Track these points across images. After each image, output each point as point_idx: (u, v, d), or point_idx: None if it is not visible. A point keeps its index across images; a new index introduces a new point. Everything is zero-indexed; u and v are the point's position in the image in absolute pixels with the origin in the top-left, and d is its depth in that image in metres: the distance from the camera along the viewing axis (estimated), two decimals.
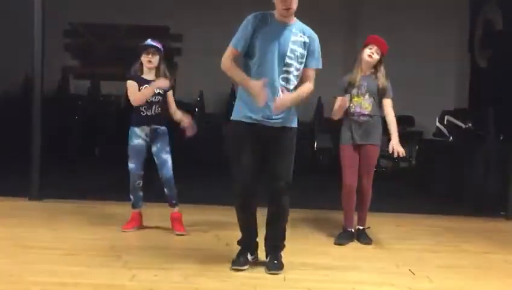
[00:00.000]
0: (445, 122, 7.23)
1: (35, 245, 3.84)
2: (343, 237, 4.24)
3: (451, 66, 9.52)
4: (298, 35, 3.27)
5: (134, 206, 4.39)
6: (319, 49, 3.36)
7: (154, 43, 4.28)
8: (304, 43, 3.29)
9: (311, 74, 3.37)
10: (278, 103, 3.16)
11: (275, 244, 3.44)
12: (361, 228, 4.31)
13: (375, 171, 4.29)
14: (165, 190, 4.31)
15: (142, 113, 4.25)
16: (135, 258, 3.59)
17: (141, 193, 4.37)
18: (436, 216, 5.44)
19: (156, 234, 4.32)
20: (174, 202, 4.34)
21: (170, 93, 4.40)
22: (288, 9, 3.19)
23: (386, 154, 8.97)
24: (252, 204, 3.39)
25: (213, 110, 9.66)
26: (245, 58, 3.30)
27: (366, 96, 4.13)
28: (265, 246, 3.49)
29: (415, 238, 4.49)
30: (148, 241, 4.09)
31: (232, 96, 8.79)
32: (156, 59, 4.27)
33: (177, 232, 4.27)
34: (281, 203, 3.33)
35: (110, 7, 9.28)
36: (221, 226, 4.52)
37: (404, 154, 4.13)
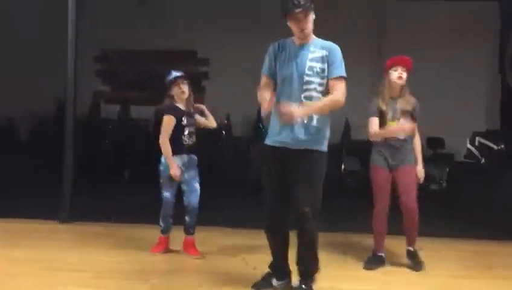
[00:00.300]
0: (476, 143, 7.09)
1: (64, 268, 3.88)
2: (373, 261, 4.14)
3: (481, 86, 9.37)
4: (316, 52, 3.26)
5: (164, 232, 4.40)
6: (341, 58, 3.29)
7: (179, 73, 4.31)
8: (323, 57, 3.25)
9: (335, 83, 3.25)
10: (284, 110, 3.04)
11: (305, 269, 3.38)
12: (411, 249, 4.16)
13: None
14: (187, 217, 4.28)
15: (184, 142, 4.28)
16: (163, 282, 3.59)
17: (171, 220, 4.39)
18: (468, 240, 5.29)
19: (183, 257, 4.31)
20: (191, 231, 4.33)
21: (198, 118, 4.45)
22: (302, 30, 3.20)
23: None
24: (279, 228, 3.36)
25: (240, 133, 9.70)
26: (275, 85, 3.34)
27: (402, 120, 4.05)
28: (297, 269, 3.44)
29: (446, 262, 4.37)
30: (175, 265, 4.09)
31: (259, 119, 8.84)
32: (187, 87, 4.31)
33: (193, 257, 4.25)
34: (303, 229, 3.25)
35: (139, 33, 9.50)
36: (248, 249, 4.49)
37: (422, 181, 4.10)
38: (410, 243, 4.19)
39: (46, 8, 8.45)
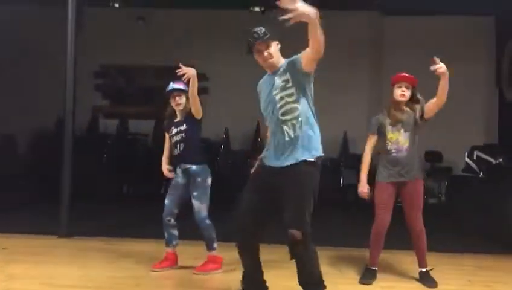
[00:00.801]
0: (474, 157, 7.10)
1: (62, 283, 3.86)
2: (367, 276, 4.14)
3: (479, 101, 9.42)
4: (281, 70, 3.25)
5: (166, 243, 4.36)
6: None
7: (176, 86, 4.32)
8: (284, 70, 3.23)
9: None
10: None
11: (306, 288, 3.26)
12: (423, 270, 4.16)
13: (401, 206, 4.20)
14: (203, 235, 4.28)
15: (174, 153, 4.36)
16: None
17: (174, 232, 4.32)
18: (468, 254, 5.28)
19: (186, 273, 4.26)
20: (208, 246, 4.28)
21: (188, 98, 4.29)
22: (265, 61, 3.24)
23: None
24: (248, 244, 3.29)
25: (238, 148, 9.72)
26: None
27: (402, 131, 4.08)
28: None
29: (447, 278, 4.35)
30: (175, 280, 4.07)
31: (257, 134, 8.87)
32: (182, 99, 4.32)
33: (194, 271, 4.23)
34: (294, 253, 3.11)
35: (138, 49, 9.57)
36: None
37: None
38: (420, 264, 4.19)
39: (45, 23, 8.51)
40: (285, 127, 3.18)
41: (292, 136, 3.16)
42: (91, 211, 7.03)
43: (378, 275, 4.21)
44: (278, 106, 3.20)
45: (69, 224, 5.56)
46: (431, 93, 4.18)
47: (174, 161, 4.36)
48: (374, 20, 9.55)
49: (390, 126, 4.10)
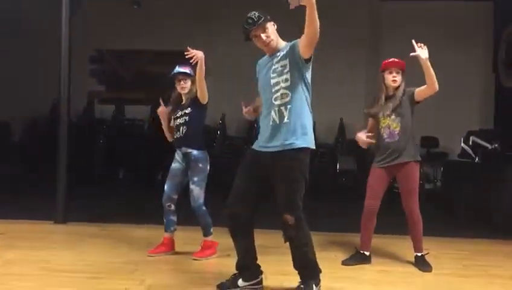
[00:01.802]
0: (470, 143, 7.12)
1: (59, 268, 3.87)
2: (353, 258, 4.22)
3: (475, 86, 9.42)
4: (280, 54, 3.24)
5: (165, 229, 4.36)
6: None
7: (181, 69, 4.29)
8: (284, 54, 3.22)
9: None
10: None
11: (302, 271, 3.30)
12: (419, 254, 4.19)
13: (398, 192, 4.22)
14: (199, 220, 4.27)
15: (175, 136, 4.32)
16: (158, 282, 3.59)
17: (173, 218, 4.31)
18: (463, 239, 5.32)
19: (181, 258, 4.29)
20: (204, 232, 4.28)
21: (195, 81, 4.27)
22: (266, 44, 3.24)
23: None
24: (240, 230, 3.32)
25: (235, 133, 9.71)
26: None
27: (393, 116, 4.11)
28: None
29: (442, 262, 4.39)
30: (172, 265, 4.08)
31: (255, 119, 8.83)
32: (187, 83, 4.29)
33: (192, 257, 4.23)
34: (288, 236, 3.16)
35: (134, 34, 9.49)
36: None
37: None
38: (416, 248, 4.21)
39: (40, 8, 8.42)
40: (276, 112, 3.20)
41: (283, 121, 3.18)
42: (88, 197, 7.03)
43: (374, 260, 4.25)
44: (273, 90, 3.22)
45: (66, 210, 5.55)
46: (421, 81, 4.17)
47: (174, 144, 4.33)
48: (370, 5, 9.49)
49: (382, 112, 4.13)
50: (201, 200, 4.22)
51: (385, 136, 4.13)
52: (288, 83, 3.19)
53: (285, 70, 3.19)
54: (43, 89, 8.24)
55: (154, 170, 8.35)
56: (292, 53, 3.18)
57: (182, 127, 4.25)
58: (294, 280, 3.32)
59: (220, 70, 9.44)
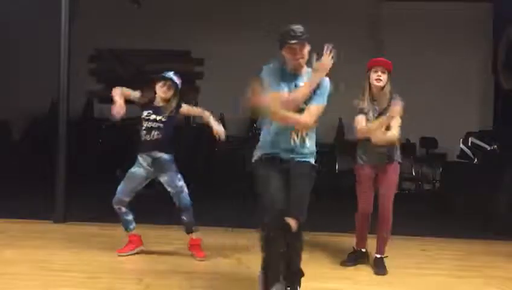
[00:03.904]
0: (469, 144, 7.12)
1: (58, 268, 3.88)
2: (351, 258, 4.23)
3: (474, 87, 9.41)
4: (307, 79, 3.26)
5: (125, 229, 4.33)
6: (327, 88, 3.29)
7: (174, 78, 4.26)
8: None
9: (312, 105, 3.22)
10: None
11: (291, 277, 3.24)
12: (378, 256, 4.15)
13: (397, 193, 4.21)
14: (184, 217, 4.22)
15: (141, 138, 4.22)
16: (156, 282, 3.60)
17: (129, 217, 4.29)
18: (461, 239, 5.33)
19: (178, 258, 4.30)
20: (192, 229, 4.27)
21: (185, 108, 4.32)
22: (297, 60, 3.19)
23: (409, 177, 8.90)
24: (281, 226, 3.15)
25: (234, 133, 9.70)
26: None
27: (381, 115, 4.04)
28: (287, 274, 3.28)
29: (439, 262, 4.40)
30: (169, 265, 4.09)
31: (253, 119, 8.84)
32: (171, 92, 4.25)
33: (198, 259, 4.23)
34: (297, 236, 3.16)
35: (134, 33, 9.48)
36: (242, 249, 4.50)
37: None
38: (379, 250, 4.16)
39: (39, 7, 8.41)
40: (297, 134, 3.22)
41: (304, 146, 3.24)
42: (86, 196, 7.02)
43: (370, 260, 4.24)
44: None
45: (65, 209, 5.55)
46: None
47: (141, 147, 4.25)
48: (370, 5, 9.48)
49: (371, 112, 4.06)
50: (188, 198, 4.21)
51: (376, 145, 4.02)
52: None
53: (310, 96, 3.21)
54: (42, 88, 8.23)
55: None
56: (319, 86, 3.24)
57: (154, 131, 4.21)
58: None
59: (220, 70, 9.49)
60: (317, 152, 3.36)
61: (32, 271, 3.77)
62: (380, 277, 3.97)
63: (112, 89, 4.27)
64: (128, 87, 4.39)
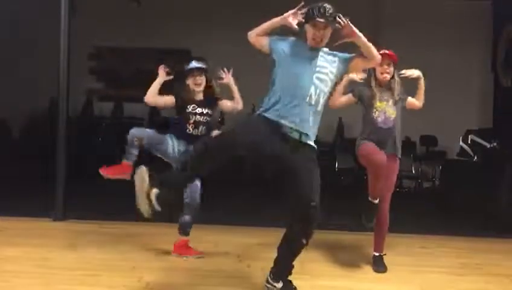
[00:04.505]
0: (469, 141, 7.13)
1: (57, 266, 3.87)
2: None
3: (474, 85, 9.43)
4: (327, 58, 3.26)
5: (126, 158, 4.18)
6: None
7: (198, 64, 4.18)
8: (335, 62, 3.26)
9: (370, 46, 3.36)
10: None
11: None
12: (376, 254, 4.12)
13: (397, 191, 4.18)
14: (187, 217, 4.11)
15: (187, 130, 4.07)
16: (156, 280, 3.59)
17: (135, 152, 4.11)
18: (462, 237, 5.32)
19: (181, 259, 4.22)
20: (188, 229, 4.18)
21: (223, 103, 4.24)
22: (317, 37, 3.18)
23: (409, 175, 8.90)
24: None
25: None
26: (273, 64, 3.25)
27: (390, 102, 3.97)
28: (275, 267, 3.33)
29: (440, 260, 4.40)
30: (169, 263, 4.09)
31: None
32: (203, 79, 4.15)
33: (196, 256, 4.15)
34: (313, 218, 3.18)
35: (134, 31, 9.48)
36: (243, 247, 4.49)
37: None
38: (377, 248, 4.11)
39: (39, 5, 8.40)
40: (311, 114, 3.13)
41: (311, 124, 3.16)
42: (86, 194, 7.02)
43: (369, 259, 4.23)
44: (313, 90, 3.13)
45: (65, 207, 5.55)
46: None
47: (181, 136, 4.08)
48: (372, 3, 9.48)
49: (379, 94, 3.97)
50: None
51: (379, 120, 3.93)
52: (327, 89, 3.23)
53: (331, 77, 3.23)
54: (41, 86, 8.22)
55: (152, 168, 8.32)
56: (340, 66, 3.27)
57: (201, 127, 4.10)
58: (298, 278, 3.34)
59: (219, 66, 9.47)
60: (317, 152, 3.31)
61: (32, 269, 3.77)
62: (381, 274, 3.96)
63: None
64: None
